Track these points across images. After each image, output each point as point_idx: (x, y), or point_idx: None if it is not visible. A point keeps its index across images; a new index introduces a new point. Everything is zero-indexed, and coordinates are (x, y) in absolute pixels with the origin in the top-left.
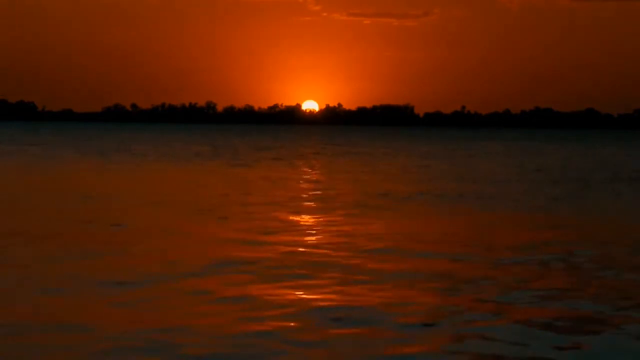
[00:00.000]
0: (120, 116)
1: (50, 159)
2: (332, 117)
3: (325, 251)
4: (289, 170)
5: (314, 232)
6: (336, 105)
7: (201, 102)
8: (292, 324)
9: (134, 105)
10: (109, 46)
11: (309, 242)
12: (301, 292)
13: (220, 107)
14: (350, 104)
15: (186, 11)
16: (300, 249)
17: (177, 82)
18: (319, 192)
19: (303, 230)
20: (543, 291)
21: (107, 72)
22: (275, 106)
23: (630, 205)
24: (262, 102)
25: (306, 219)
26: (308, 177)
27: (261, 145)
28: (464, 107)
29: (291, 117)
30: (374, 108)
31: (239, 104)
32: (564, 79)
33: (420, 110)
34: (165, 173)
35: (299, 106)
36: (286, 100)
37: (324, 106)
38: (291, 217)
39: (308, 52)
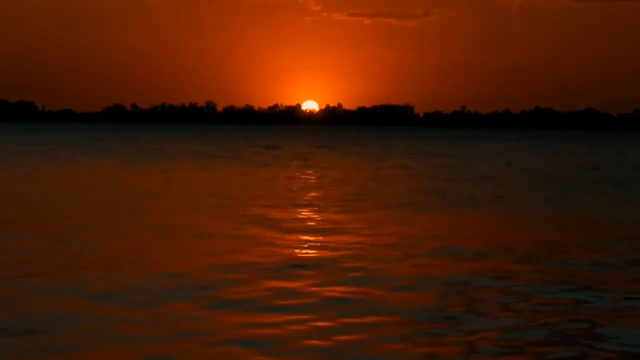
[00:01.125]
0: (120, 116)
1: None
2: (332, 117)
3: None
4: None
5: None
6: (336, 105)
7: (201, 102)
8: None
9: (134, 105)
10: (109, 46)
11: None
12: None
13: (220, 107)
14: (350, 104)
15: (186, 12)
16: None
17: (177, 82)
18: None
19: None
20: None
21: (107, 72)
22: (275, 106)
23: (622, 204)
24: (262, 102)
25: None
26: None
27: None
28: (464, 107)
29: (291, 117)
30: (374, 108)
31: (239, 104)
32: (564, 79)
33: (420, 110)
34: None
35: (299, 106)
36: (286, 100)
37: (324, 106)
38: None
39: (308, 52)
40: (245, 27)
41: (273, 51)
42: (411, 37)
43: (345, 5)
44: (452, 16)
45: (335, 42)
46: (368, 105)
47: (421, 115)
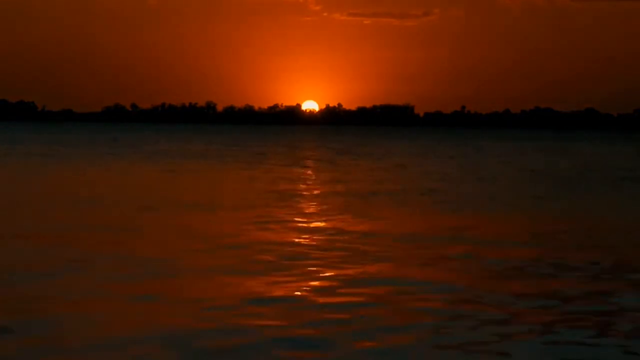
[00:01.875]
0: (120, 116)
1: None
2: (332, 117)
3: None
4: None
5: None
6: (336, 105)
7: (201, 102)
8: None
9: (134, 105)
10: (110, 46)
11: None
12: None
13: (220, 107)
14: (350, 104)
15: (185, 11)
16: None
17: (177, 82)
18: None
19: None
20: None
21: (107, 72)
22: (275, 106)
23: (619, 204)
24: (262, 102)
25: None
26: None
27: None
28: (464, 107)
29: (291, 117)
30: (374, 108)
31: (239, 104)
32: (564, 79)
33: (420, 110)
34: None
35: (299, 106)
36: (286, 100)
37: (324, 106)
38: None
39: (308, 52)
40: (245, 27)
41: (273, 51)
42: (411, 37)
43: (345, 5)
44: (452, 16)
45: (335, 42)
46: (368, 105)
47: (421, 115)
